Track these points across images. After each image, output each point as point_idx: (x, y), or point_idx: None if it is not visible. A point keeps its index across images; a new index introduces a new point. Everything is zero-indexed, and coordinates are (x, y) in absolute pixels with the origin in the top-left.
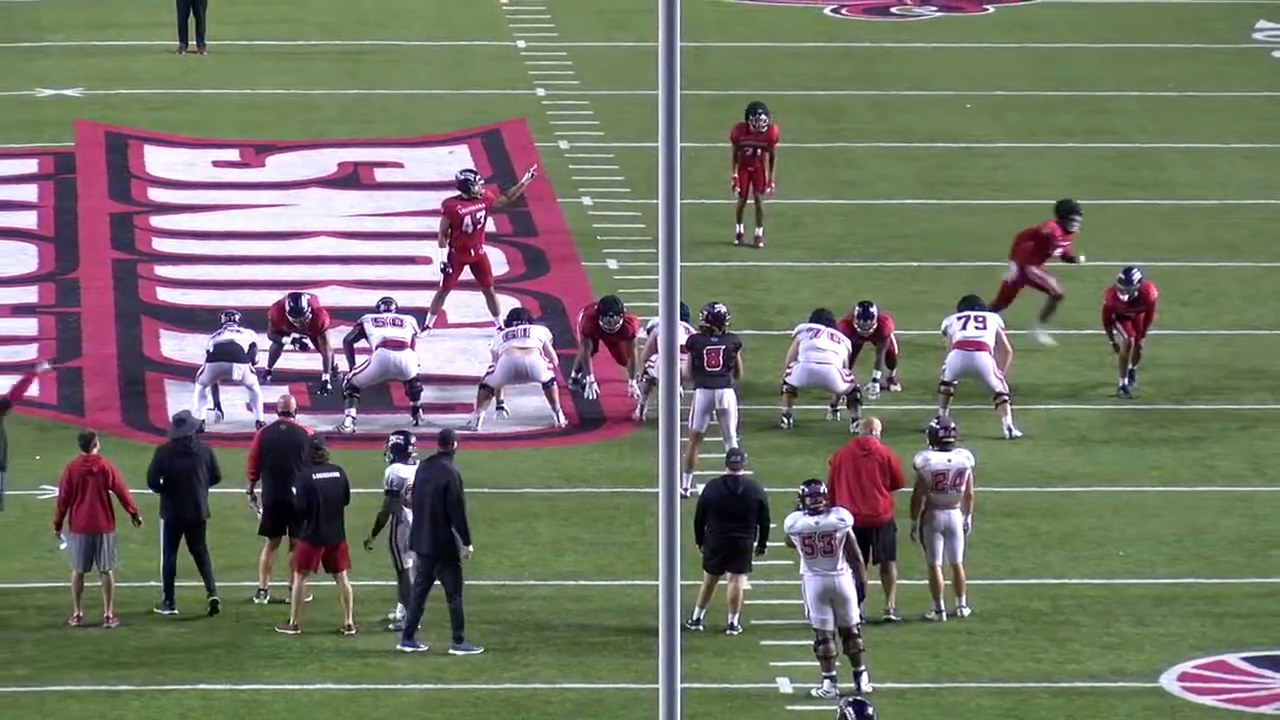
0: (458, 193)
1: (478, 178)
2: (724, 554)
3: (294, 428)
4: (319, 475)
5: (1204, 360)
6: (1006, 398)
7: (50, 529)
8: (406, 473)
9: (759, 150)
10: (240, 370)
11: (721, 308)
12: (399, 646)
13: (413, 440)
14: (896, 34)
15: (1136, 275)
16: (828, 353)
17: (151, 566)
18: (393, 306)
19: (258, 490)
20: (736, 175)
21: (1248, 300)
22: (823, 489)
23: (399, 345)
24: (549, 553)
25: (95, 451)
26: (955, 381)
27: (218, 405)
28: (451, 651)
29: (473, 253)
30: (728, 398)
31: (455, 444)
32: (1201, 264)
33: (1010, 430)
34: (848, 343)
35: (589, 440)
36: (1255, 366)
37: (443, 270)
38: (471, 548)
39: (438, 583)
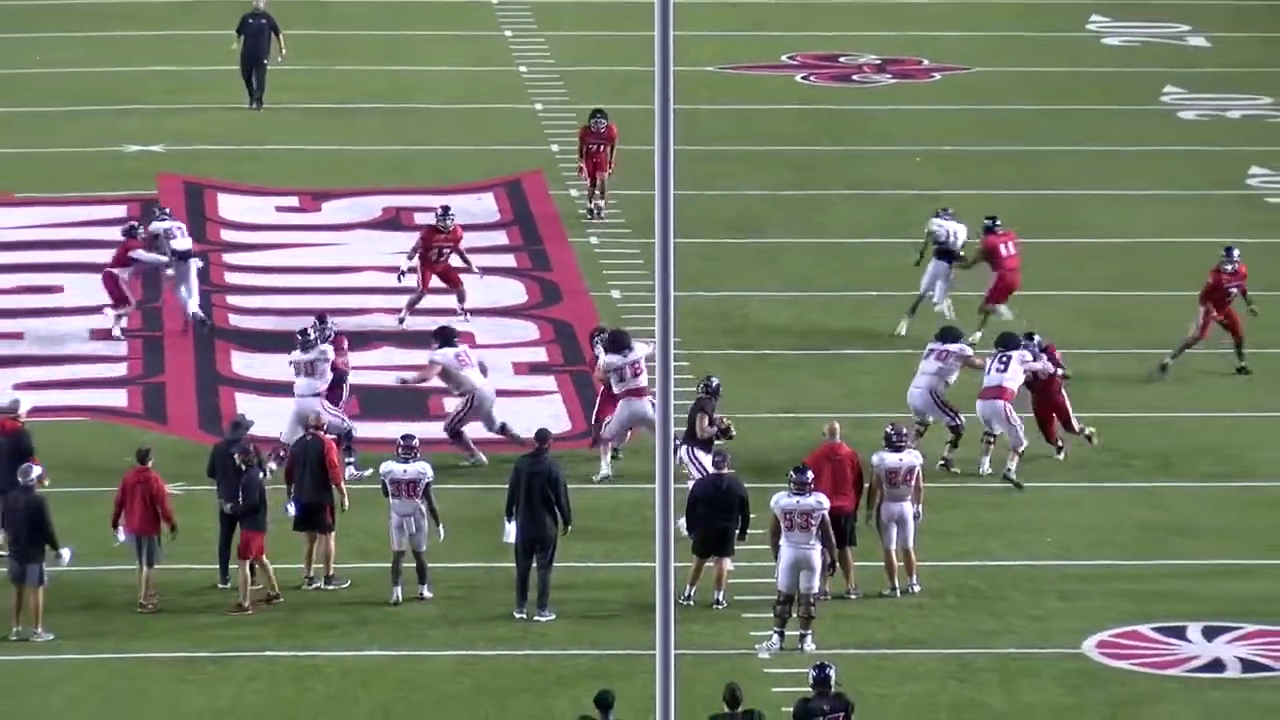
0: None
1: (450, 214)
2: (711, 540)
3: (319, 439)
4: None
5: (1121, 375)
6: (1016, 448)
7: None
8: (395, 468)
9: (601, 146)
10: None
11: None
12: (515, 614)
13: (415, 442)
14: (858, 98)
15: (1236, 252)
16: (924, 375)
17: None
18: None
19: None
20: (584, 165)
21: (1157, 324)
22: (809, 476)
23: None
24: (562, 539)
25: (149, 465)
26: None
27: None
28: (537, 618)
29: (437, 269)
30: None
31: (550, 441)
32: (1117, 293)
33: (1008, 474)
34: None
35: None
36: (1164, 381)
37: (399, 277)
38: (571, 527)
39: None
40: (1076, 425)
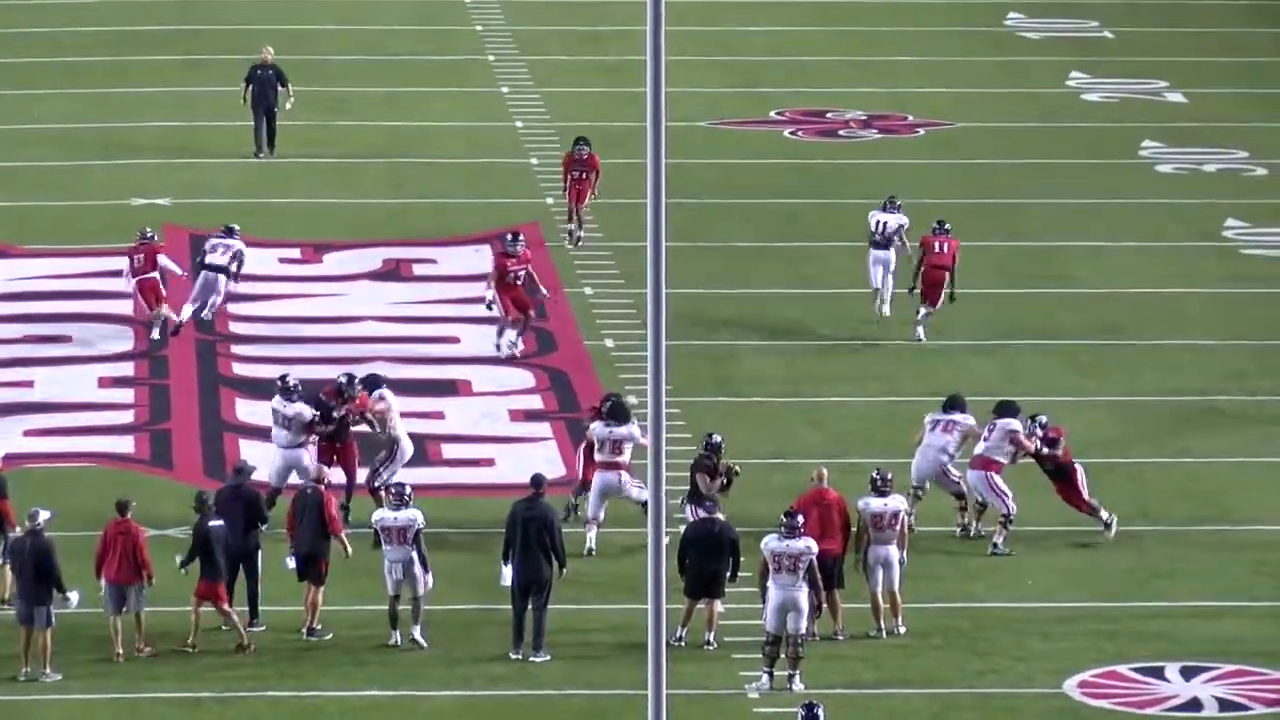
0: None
1: (518, 239)
2: (702, 582)
3: (318, 492)
4: (213, 523)
5: (1099, 421)
6: (1003, 520)
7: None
8: (386, 516)
9: (584, 173)
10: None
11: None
12: (511, 655)
13: (407, 491)
14: (844, 152)
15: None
16: (932, 448)
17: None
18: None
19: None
20: (567, 191)
21: (1135, 371)
22: (799, 520)
23: None
24: (557, 582)
25: (129, 517)
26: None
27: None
28: (533, 659)
29: (512, 294)
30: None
31: (545, 487)
32: (1096, 342)
33: (995, 549)
34: (959, 432)
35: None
36: (1141, 427)
37: (487, 307)
38: (567, 570)
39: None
40: (1090, 503)
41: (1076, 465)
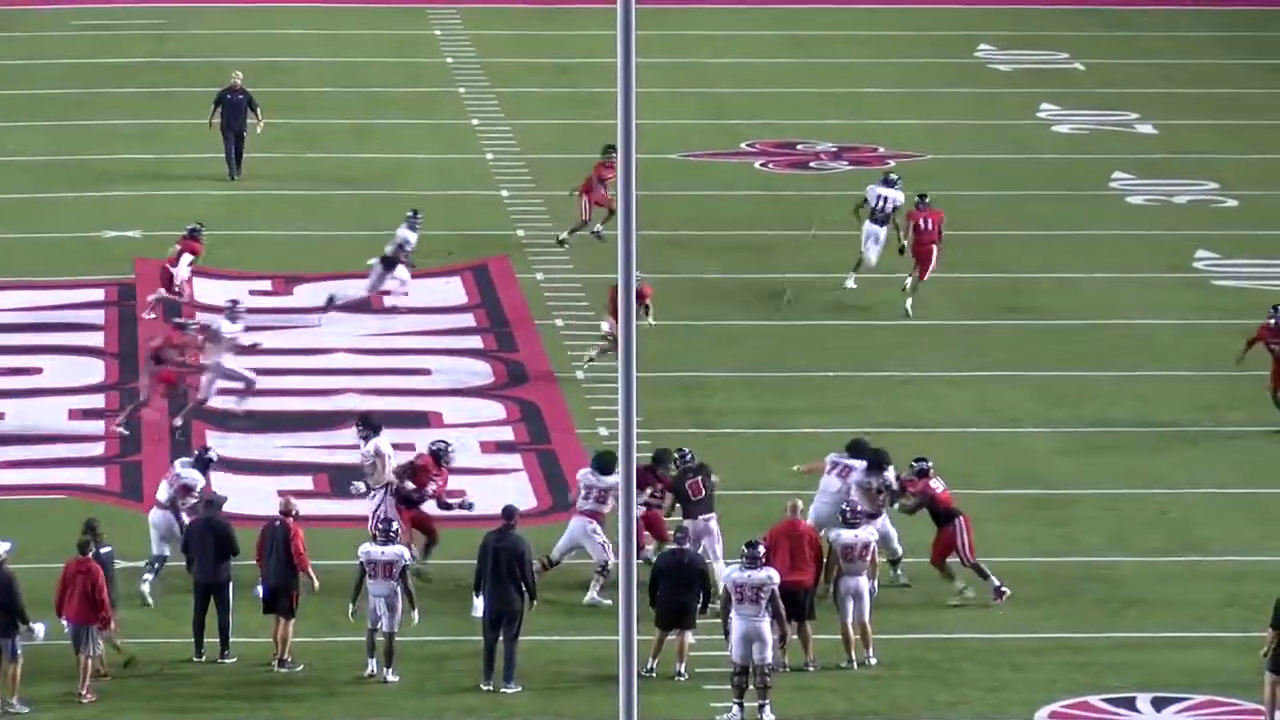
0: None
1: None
2: (672, 613)
3: (285, 525)
4: (103, 549)
5: (1071, 452)
6: (892, 558)
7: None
8: (373, 550)
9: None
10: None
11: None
12: (482, 686)
13: (393, 527)
14: (814, 184)
15: None
16: (827, 491)
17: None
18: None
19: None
20: (585, 196)
21: (1106, 402)
22: (760, 550)
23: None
24: (528, 613)
25: (89, 556)
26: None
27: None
28: (504, 690)
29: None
30: (714, 523)
31: (517, 518)
32: (1067, 372)
33: (896, 578)
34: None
35: (561, 519)
36: (1113, 458)
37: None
38: (535, 602)
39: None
40: (972, 559)
41: (961, 518)
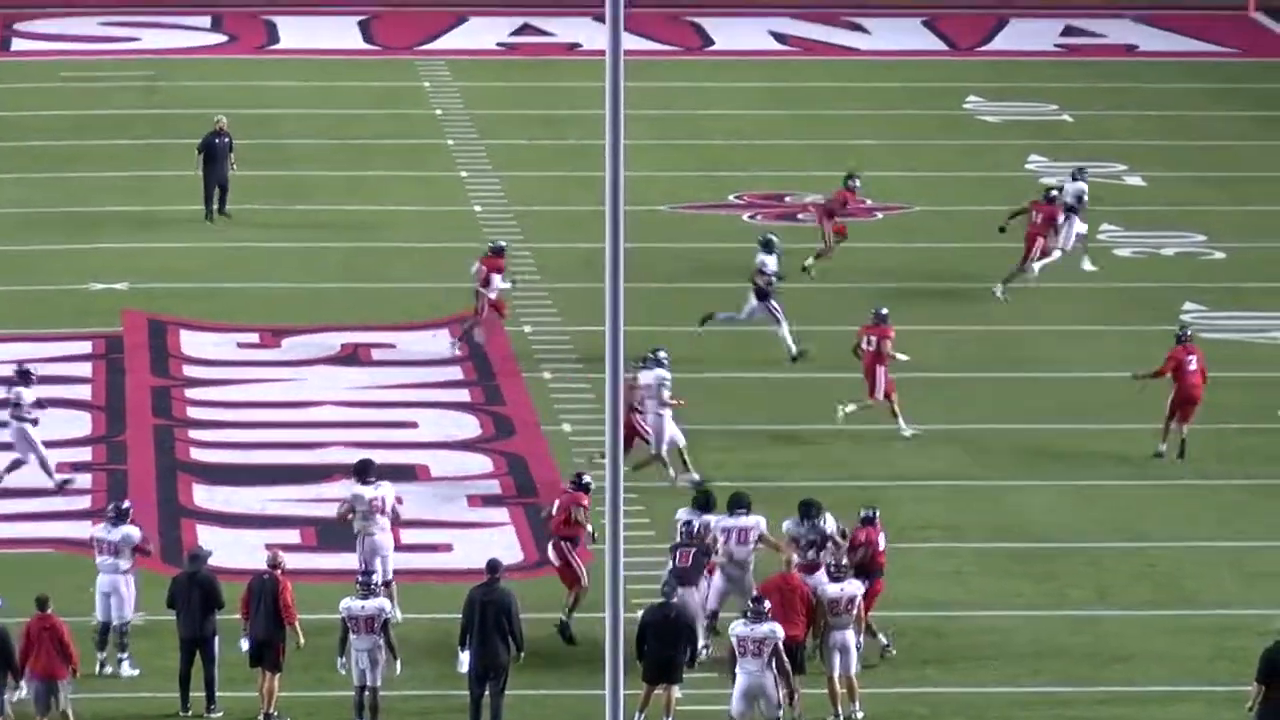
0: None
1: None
2: (659, 667)
3: (274, 578)
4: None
5: (1058, 505)
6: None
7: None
8: (354, 605)
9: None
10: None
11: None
12: None
13: (374, 580)
14: (803, 236)
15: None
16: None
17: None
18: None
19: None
20: (824, 222)
21: (1094, 457)
22: (766, 606)
23: None
24: (515, 667)
25: (50, 611)
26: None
27: None
28: None
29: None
30: (692, 596)
31: (503, 571)
32: (1055, 425)
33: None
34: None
35: (548, 574)
36: (1100, 510)
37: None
38: (524, 654)
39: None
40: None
41: (879, 581)
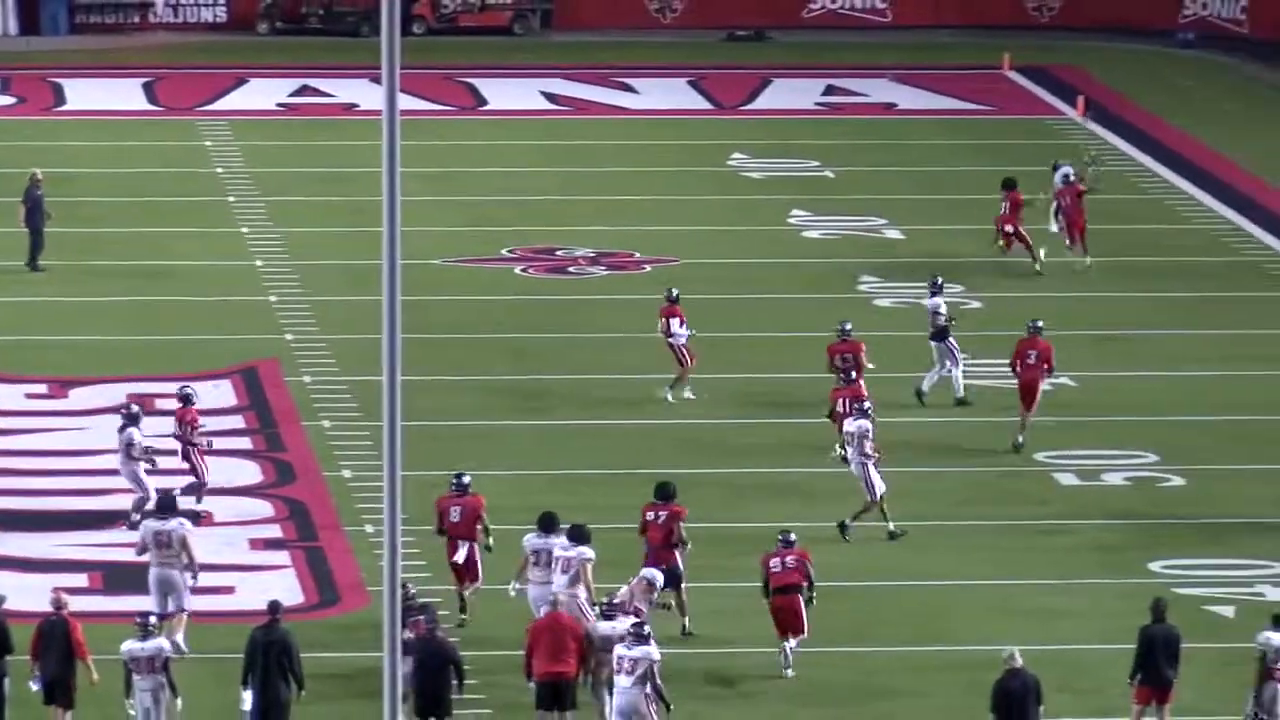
0: None
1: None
2: (427, 700)
3: (64, 619)
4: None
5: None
6: None
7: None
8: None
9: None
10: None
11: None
12: None
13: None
14: (574, 289)
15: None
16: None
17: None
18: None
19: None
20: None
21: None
22: (646, 630)
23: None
24: (297, 704)
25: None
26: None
27: None
28: None
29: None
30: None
31: (283, 612)
32: (830, 470)
33: None
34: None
35: (330, 614)
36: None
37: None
38: (305, 691)
39: None
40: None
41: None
